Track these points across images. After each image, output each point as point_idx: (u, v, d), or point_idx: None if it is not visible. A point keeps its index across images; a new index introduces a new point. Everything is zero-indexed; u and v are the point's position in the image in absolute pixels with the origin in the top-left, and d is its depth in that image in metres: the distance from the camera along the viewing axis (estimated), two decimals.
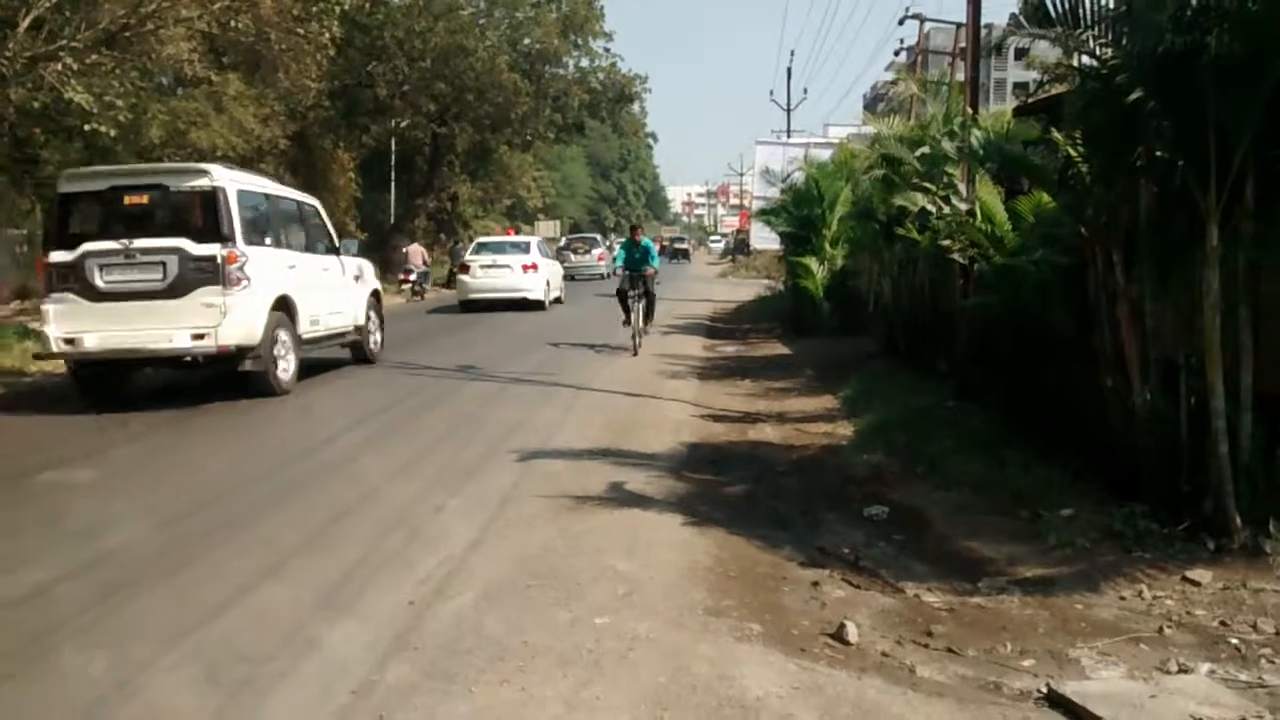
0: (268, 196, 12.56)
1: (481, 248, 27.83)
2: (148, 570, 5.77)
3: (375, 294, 15.64)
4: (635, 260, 18.03)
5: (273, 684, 4.30)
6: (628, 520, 6.89)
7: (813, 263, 19.83)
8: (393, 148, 35.16)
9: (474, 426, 10.19)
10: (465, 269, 26.88)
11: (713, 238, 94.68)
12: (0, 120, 17.10)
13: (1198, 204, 6.25)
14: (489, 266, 26.32)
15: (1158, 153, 6.62)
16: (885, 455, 8.86)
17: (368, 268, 15.80)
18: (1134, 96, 6.20)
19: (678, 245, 74.85)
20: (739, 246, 62.71)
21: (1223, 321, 6.25)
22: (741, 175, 76.95)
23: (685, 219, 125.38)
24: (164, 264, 10.92)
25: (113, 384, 11.72)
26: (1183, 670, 4.55)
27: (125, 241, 10.98)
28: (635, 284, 17.58)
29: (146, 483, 7.79)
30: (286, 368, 11.94)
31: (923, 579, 5.82)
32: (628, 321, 17.47)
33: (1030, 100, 13.11)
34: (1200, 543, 6.02)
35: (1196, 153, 6.17)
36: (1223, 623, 5.07)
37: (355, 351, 14.84)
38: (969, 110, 11.45)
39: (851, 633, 4.92)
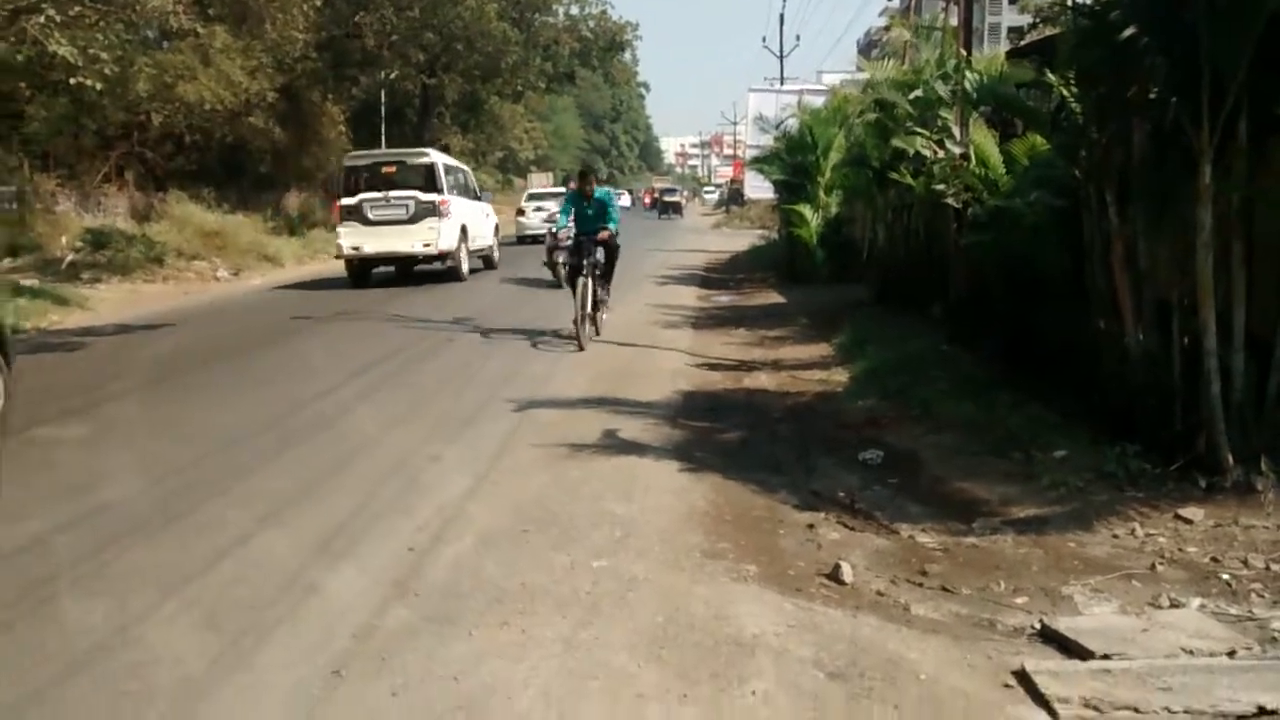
0: (453, 168, 21.23)
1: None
2: (146, 521, 5.79)
3: (496, 226, 24.01)
4: (588, 219, 13.03)
5: (273, 629, 4.34)
6: (624, 466, 6.92)
7: (807, 210, 19.76)
8: (382, 100, 34.83)
9: (467, 378, 10.21)
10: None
11: (707, 188, 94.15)
12: None
13: (1191, 142, 6.23)
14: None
15: (1151, 91, 6.57)
16: (879, 400, 8.88)
17: (493, 210, 24.03)
18: (1127, 33, 6.17)
19: (668, 198, 64.15)
20: (733, 197, 62.39)
21: (1216, 261, 6.25)
22: (735, 125, 74.43)
23: (679, 170, 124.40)
24: (406, 205, 19.14)
25: (368, 273, 19.87)
26: (1174, 605, 4.60)
27: (384, 193, 19.29)
28: (585, 253, 12.73)
29: (143, 436, 7.79)
30: (465, 265, 20.35)
31: (917, 520, 5.86)
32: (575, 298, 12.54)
33: (1024, 43, 13.02)
34: (1192, 481, 6.06)
35: (1189, 90, 6.13)
36: (1214, 559, 5.12)
37: (486, 263, 22.96)
38: (963, 52, 11.35)
39: (847, 573, 4.96)
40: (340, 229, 19.46)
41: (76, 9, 15.23)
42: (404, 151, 21.88)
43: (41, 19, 14.13)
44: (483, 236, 22.22)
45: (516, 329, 13.33)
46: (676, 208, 64.10)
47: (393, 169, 19.77)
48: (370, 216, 19.13)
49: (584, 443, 7.50)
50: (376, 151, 23.53)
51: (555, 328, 13.21)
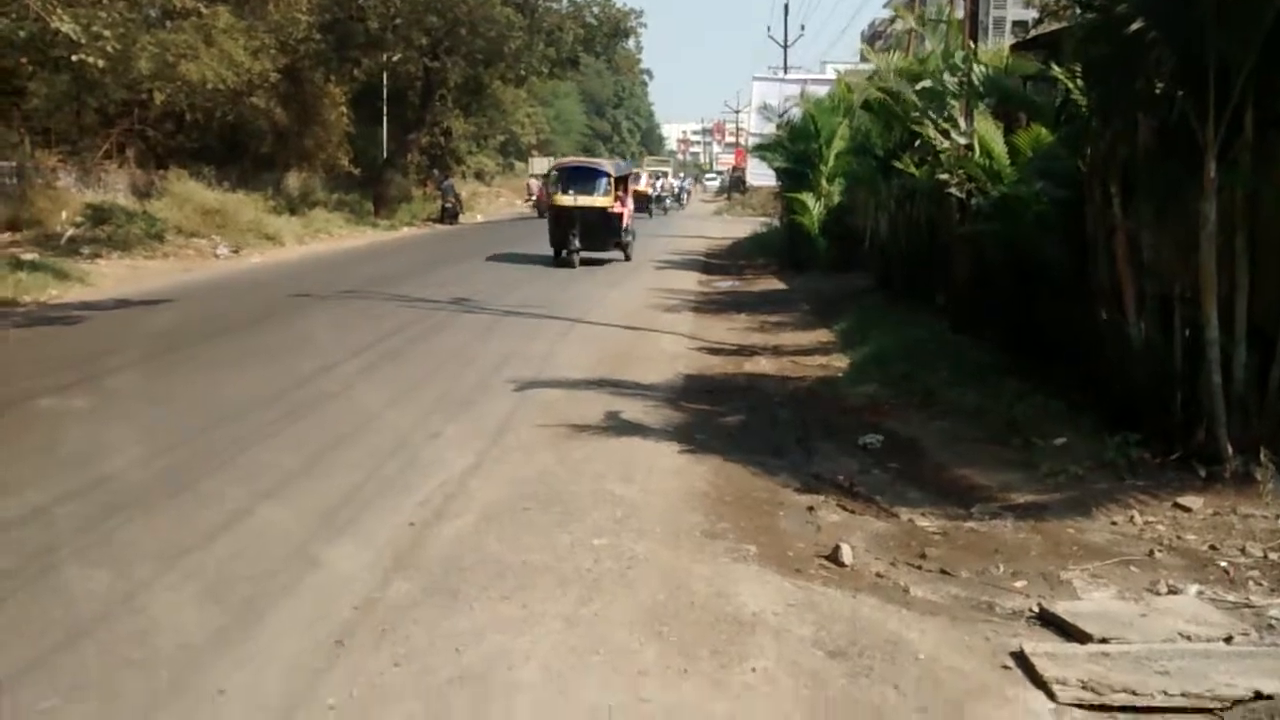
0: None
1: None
2: (147, 494, 5.79)
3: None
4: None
5: (275, 600, 4.35)
6: (625, 447, 6.94)
7: (809, 199, 19.73)
8: (384, 82, 34.66)
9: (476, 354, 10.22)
10: None
11: (708, 175, 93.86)
12: None
13: (1196, 136, 6.23)
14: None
15: (1157, 85, 6.58)
16: (880, 386, 8.91)
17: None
18: (1134, 27, 6.15)
19: (660, 187, 49.33)
20: (734, 184, 62.22)
21: (1219, 254, 6.26)
22: (737, 113, 73.72)
23: (681, 156, 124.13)
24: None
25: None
26: (1172, 591, 4.63)
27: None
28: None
29: (144, 408, 7.79)
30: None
31: (917, 504, 5.89)
32: None
33: (1029, 36, 13.00)
34: (1192, 471, 6.09)
35: (1196, 84, 6.14)
36: (1212, 547, 5.15)
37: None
38: (970, 44, 11.33)
39: (846, 554, 4.98)
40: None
41: None
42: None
43: None
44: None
45: (516, 309, 13.32)
46: (674, 198, 53.72)
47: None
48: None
49: (585, 423, 7.52)
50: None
51: (551, 309, 13.21)
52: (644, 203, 40.56)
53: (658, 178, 51.37)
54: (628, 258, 21.31)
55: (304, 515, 5.45)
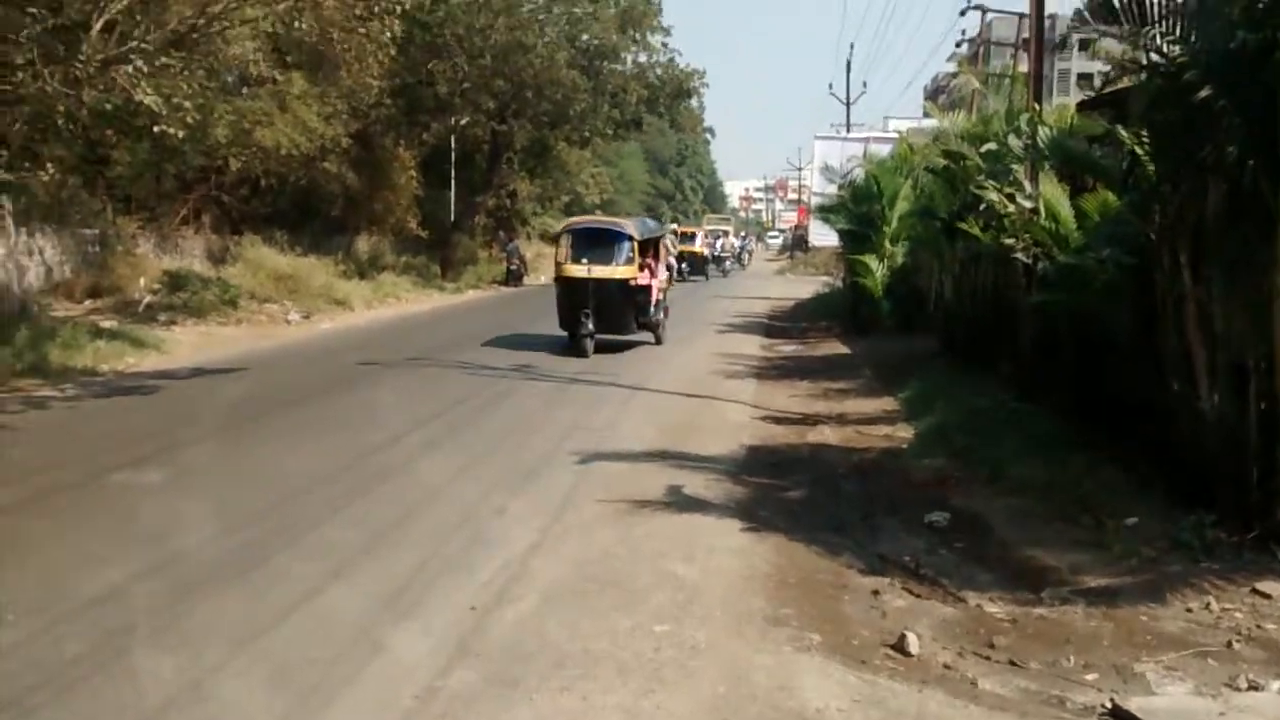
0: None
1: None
2: (219, 572, 5.88)
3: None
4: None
5: (338, 688, 4.39)
6: (687, 525, 6.92)
7: (872, 260, 19.69)
8: (452, 145, 35.32)
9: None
10: None
11: (770, 233, 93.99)
12: (74, 122, 17.47)
13: (1268, 204, 6.13)
14: None
15: (1227, 152, 6.48)
16: (946, 458, 8.80)
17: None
18: (1203, 94, 6.09)
19: (720, 247, 46.63)
20: (797, 243, 62.17)
21: None
22: (800, 170, 73.58)
23: (743, 214, 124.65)
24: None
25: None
26: (1253, 687, 4.48)
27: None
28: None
29: (216, 483, 7.94)
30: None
31: (985, 588, 5.78)
32: None
33: (1095, 95, 12.90)
34: (1270, 553, 5.92)
35: (1267, 152, 6.05)
36: None
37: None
38: (1034, 106, 11.28)
39: (913, 644, 4.90)
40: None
41: (162, 59, 15.70)
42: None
43: (130, 69, 14.59)
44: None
45: (578, 375, 13.40)
46: (735, 259, 50.24)
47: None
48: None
49: (647, 498, 7.51)
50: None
51: (613, 376, 13.29)
52: (700, 264, 39.43)
53: (717, 237, 49.16)
54: (658, 340, 17.54)
55: (369, 596, 5.50)
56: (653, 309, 17.02)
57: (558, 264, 16.73)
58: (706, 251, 41.79)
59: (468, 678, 4.49)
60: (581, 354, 15.40)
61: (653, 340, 17.36)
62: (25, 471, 7.97)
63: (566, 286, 16.12)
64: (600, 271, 15.81)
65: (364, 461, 8.63)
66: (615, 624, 5.12)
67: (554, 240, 17.27)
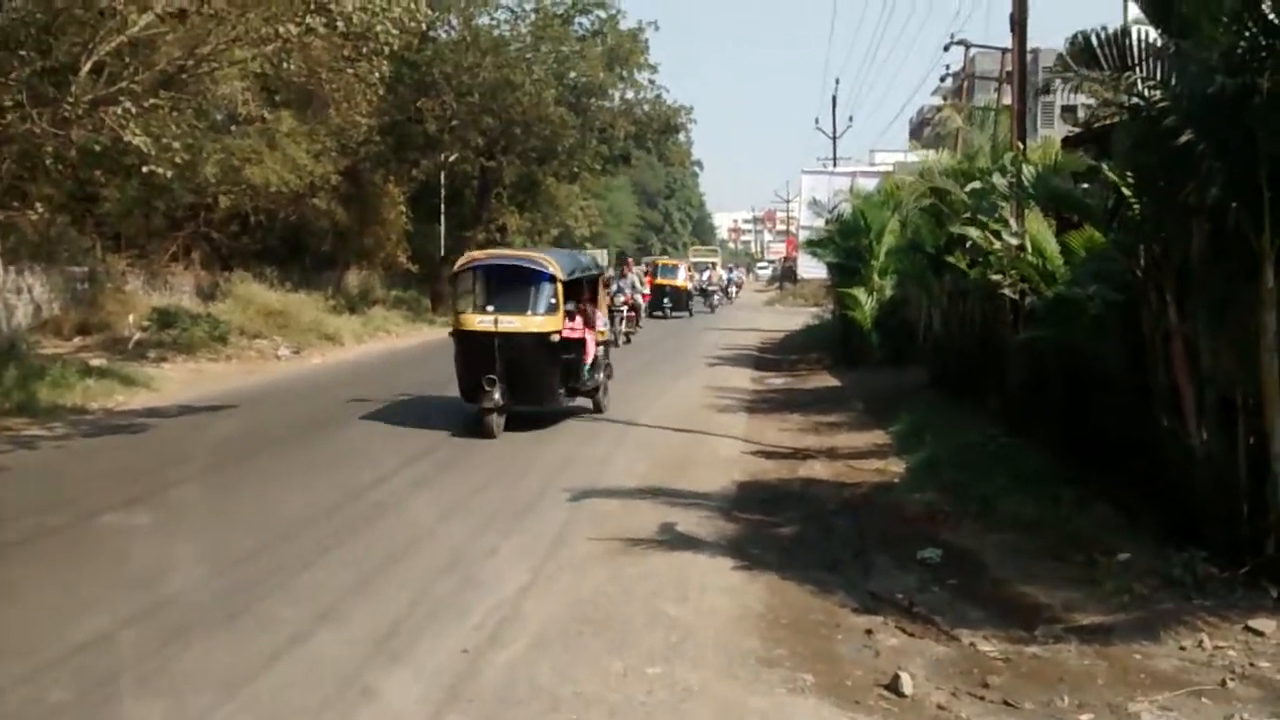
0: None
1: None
2: (207, 616, 5.84)
3: None
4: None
5: None
6: (679, 563, 6.91)
7: (861, 293, 19.77)
8: (441, 181, 35.48)
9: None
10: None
11: (760, 264, 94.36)
12: (63, 162, 17.49)
13: (1251, 244, 6.19)
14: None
15: (1209, 193, 6.55)
16: (937, 494, 8.80)
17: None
18: (1184, 138, 6.15)
19: (707, 280, 44.06)
20: (786, 274, 62.41)
21: None
22: (788, 202, 74.23)
23: (732, 245, 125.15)
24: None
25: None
26: None
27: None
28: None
29: (205, 524, 7.90)
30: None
31: (978, 626, 5.77)
32: None
33: (1080, 130, 13.02)
34: (1262, 590, 5.93)
35: (1249, 194, 6.12)
36: None
37: None
38: (1018, 144, 11.39)
39: (906, 684, 4.89)
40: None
41: (151, 100, 15.75)
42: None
43: (118, 109, 14.63)
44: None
45: (573, 410, 13.38)
46: (723, 292, 46.51)
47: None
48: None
49: (639, 536, 7.49)
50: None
51: (609, 411, 13.28)
52: (683, 300, 36.51)
53: (703, 269, 46.98)
54: (598, 407, 13.52)
55: (359, 640, 5.46)
56: (588, 369, 13.09)
57: (456, 313, 12.84)
58: (690, 285, 38.91)
59: None
60: (486, 434, 11.40)
61: (591, 408, 13.55)
62: (13, 513, 7.91)
63: (467, 344, 11.93)
64: (512, 323, 11.71)
65: (354, 501, 8.59)
66: (608, 666, 5.10)
67: (451, 281, 12.85)
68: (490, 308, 11.94)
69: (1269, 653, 5.24)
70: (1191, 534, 6.58)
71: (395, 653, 5.28)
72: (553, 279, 12.02)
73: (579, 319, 12.88)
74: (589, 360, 13.08)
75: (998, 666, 5.22)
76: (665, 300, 34.96)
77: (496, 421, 11.52)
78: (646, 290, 31.85)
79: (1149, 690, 4.86)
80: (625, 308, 23.03)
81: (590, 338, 13.10)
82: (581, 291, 13.22)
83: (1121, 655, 5.30)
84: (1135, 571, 6.35)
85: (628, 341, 22.34)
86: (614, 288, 21.92)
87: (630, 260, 27.84)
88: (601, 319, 13.89)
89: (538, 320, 11.86)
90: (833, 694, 4.84)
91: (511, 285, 12.28)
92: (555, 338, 11.87)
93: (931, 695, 4.86)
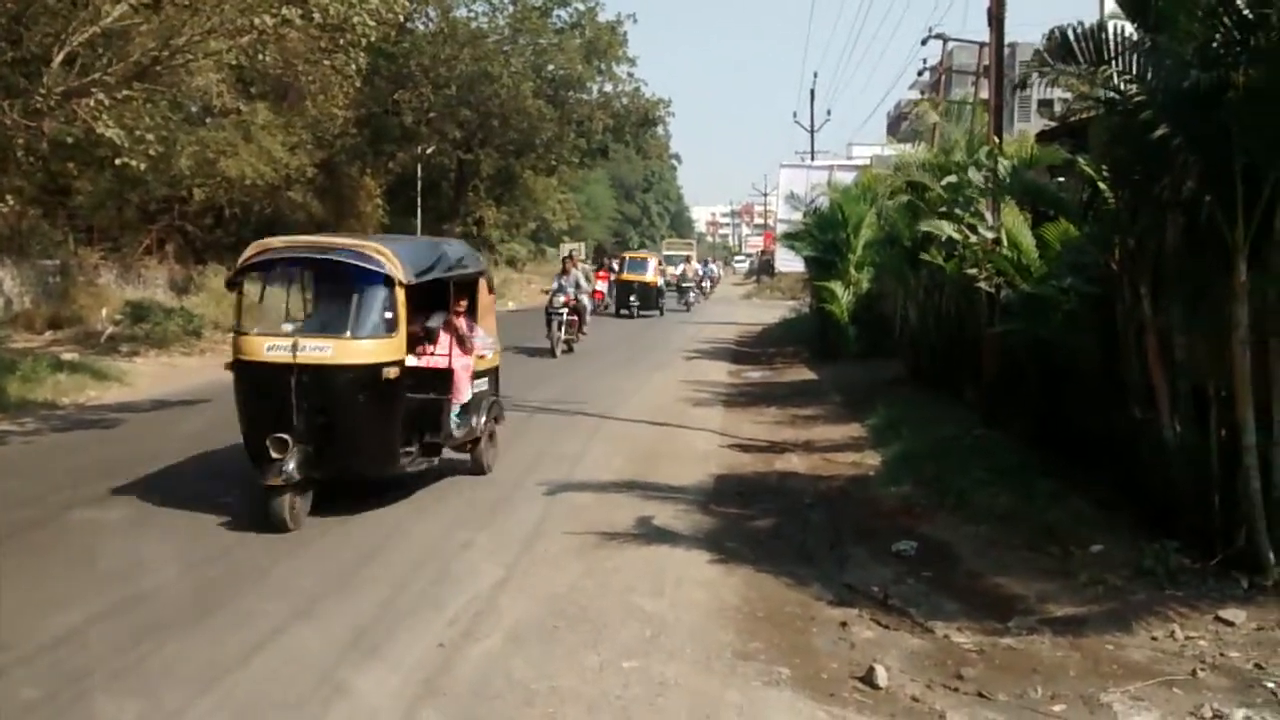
0: None
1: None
2: (182, 613, 5.79)
3: None
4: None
5: None
6: (655, 557, 6.90)
7: (838, 287, 19.80)
8: (419, 174, 35.41)
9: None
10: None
11: (737, 258, 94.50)
12: (34, 154, 17.30)
13: (1225, 238, 6.23)
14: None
15: (1184, 187, 6.59)
16: (913, 487, 8.83)
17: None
18: (1159, 132, 6.18)
19: (681, 274, 41.41)
20: (763, 267, 62.44)
21: (1253, 354, 6.21)
22: (765, 195, 74.20)
23: (710, 238, 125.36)
24: None
25: None
26: (1217, 716, 4.52)
27: None
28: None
29: (179, 520, 7.82)
30: None
31: (952, 618, 5.80)
32: None
33: (1056, 124, 13.10)
34: (1233, 580, 5.99)
35: (1223, 187, 6.16)
36: (1258, 665, 5.02)
37: None
38: (994, 139, 11.43)
39: (881, 676, 4.90)
40: None
41: (125, 91, 15.60)
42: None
43: (92, 101, 14.49)
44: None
45: (546, 405, 13.36)
46: (698, 288, 42.60)
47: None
48: None
49: (615, 530, 7.48)
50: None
51: (581, 404, 13.27)
52: (652, 298, 32.76)
53: (677, 263, 44.42)
54: (479, 467, 9.38)
55: (334, 635, 5.43)
56: (457, 415, 9.00)
57: (236, 334, 8.40)
58: (661, 281, 34.47)
59: (434, 719, 4.44)
60: (277, 524, 7.33)
61: (469, 465, 9.46)
62: None
63: (251, 382, 7.98)
64: (322, 350, 7.71)
65: (328, 493, 8.51)
66: (583, 660, 5.09)
67: (231, 285, 9.00)
68: (289, 326, 8.25)
69: (1239, 643, 5.28)
70: (1164, 525, 6.63)
71: (371, 647, 5.25)
72: (389, 282, 7.93)
73: (446, 340, 8.98)
74: (459, 401, 9.01)
75: (972, 658, 5.24)
76: (632, 298, 31.74)
77: (290, 504, 7.38)
78: (599, 288, 30.61)
79: (1121, 680, 4.89)
80: (565, 310, 20.13)
81: (462, 367, 9.08)
82: (448, 300, 8.96)
83: (1094, 646, 5.33)
84: (1108, 563, 6.39)
85: (568, 350, 20.08)
86: (554, 286, 20.79)
87: (573, 255, 24.30)
88: (484, 339, 9.57)
89: (362, 346, 7.85)
90: (808, 686, 4.85)
91: (326, 291, 8.69)
92: (391, 372, 7.80)
93: (906, 687, 4.87)
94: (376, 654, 5.16)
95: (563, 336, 19.97)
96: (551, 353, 19.40)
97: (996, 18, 12.34)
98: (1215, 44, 6.08)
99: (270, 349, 7.72)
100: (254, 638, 5.34)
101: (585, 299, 21.72)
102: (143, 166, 16.56)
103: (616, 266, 34.88)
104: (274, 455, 7.36)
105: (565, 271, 21.42)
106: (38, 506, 7.92)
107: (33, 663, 4.99)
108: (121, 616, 5.67)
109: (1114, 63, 6.64)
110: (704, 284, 46.33)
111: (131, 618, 5.65)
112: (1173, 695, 4.73)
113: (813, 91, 72.81)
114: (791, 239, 23.21)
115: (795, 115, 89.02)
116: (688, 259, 46.72)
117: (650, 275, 33.06)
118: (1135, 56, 6.59)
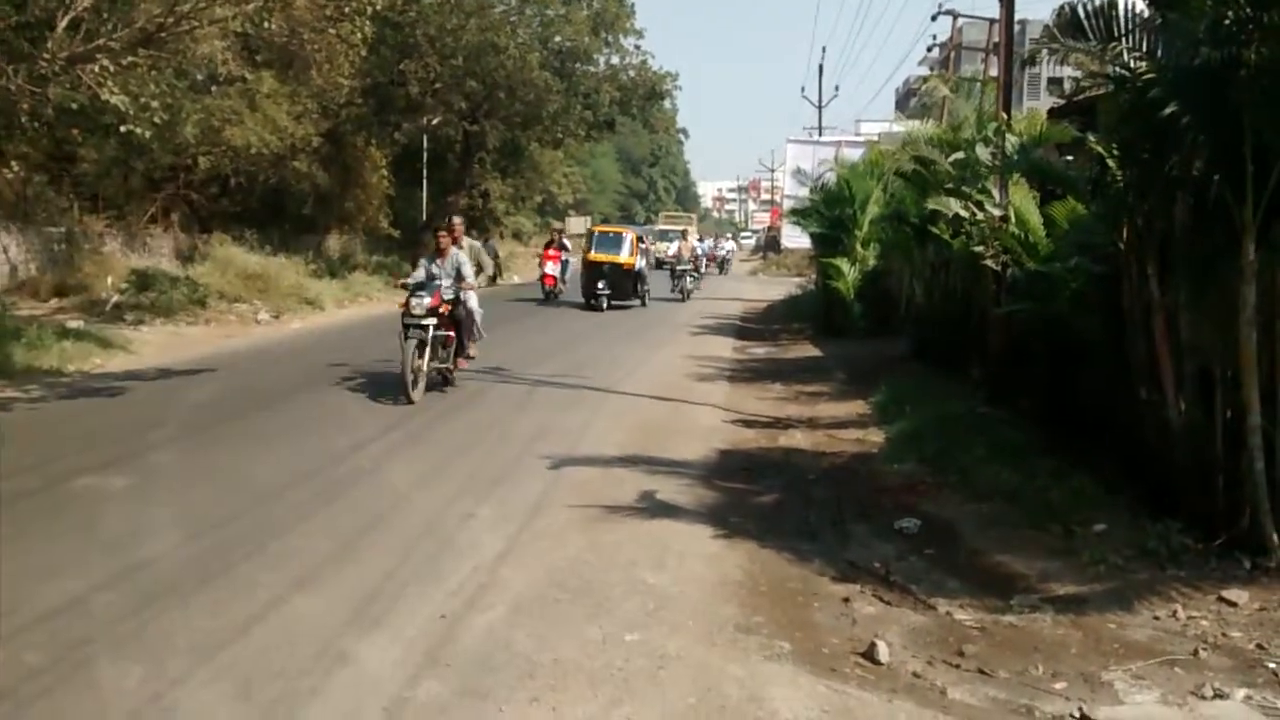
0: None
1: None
2: (183, 581, 5.81)
3: None
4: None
5: (304, 700, 4.35)
6: (659, 531, 6.91)
7: (844, 263, 19.77)
8: (424, 145, 35.23)
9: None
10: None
11: (744, 234, 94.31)
12: (39, 120, 17.26)
13: (1234, 217, 6.19)
14: None
15: (1193, 166, 6.54)
16: (917, 464, 8.83)
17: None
18: (1169, 110, 6.14)
19: (673, 253, 32.32)
20: (770, 244, 62.27)
21: (1260, 336, 6.19)
22: (772, 171, 73.89)
23: (716, 214, 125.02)
24: None
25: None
26: (1218, 695, 4.51)
27: None
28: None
29: (182, 488, 7.84)
30: None
31: (954, 595, 5.80)
32: None
33: (1065, 102, 13.01)
34: (1236, 560, 5.98)
35: (1232, 166, 6.11)
36: (1259, 645, 5.02)
37: None
38: (1003, 115, 11.36)
39: (882, 652, 4.91)
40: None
41: (130, 57, 15.54)
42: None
43: (96, 67, 14.44)
44: None
45: (549, 379, 13.36)
46: (695, 272, 32.21)
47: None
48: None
49: (618, 504, 7.49)
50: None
51: (585, 378, 13.25)
52: (629, 285, 25.61)
53: (672, 239, 37.42)
54: None
55: (336, 605, 5.44)
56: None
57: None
58: (642, 263, 26.75)
59: (436, 689, 4.45)
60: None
61: None
62: None
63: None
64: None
65: (332, 466, 8.55)
66: (585, 633, 5.10)
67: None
68: None
69: (1241, 623, 5.28)
70: (1168, 505, 6.63)
71: (373, 618, 5.26)
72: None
73: None
74: None
75: (973, 635, 5.25)
76: (600, 284, 24.61)
77: None
78: (548, 270, 26.52)
79: (1122, 659, 4.90)
80: (430, 322, 11.59)
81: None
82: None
83: (1096, 624, 5.34)
84: (1111, 542, 6.39)
85: (442, 385, 12.36)
86: (414, 275, 12.44)
87: (457, 222, 13.37)
88: None
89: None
90: (809, 661, 4.86)
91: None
92: None
93: (907, 663, 4.88)
94: (379, 625, 5.18)
95: (425, 366, 11.68)
96: (404, 393, 11.28)
97: None
98: (1226, 21, 6.02)
99: None
100: (254, 608, 5.35)
101: (472, 299, 12.53)
102: (148, 134, 16.51)
103: (584, 245, 28.47)
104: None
105: (439, 250, 12.34)
106: (43, 474, 7.93)
107: (37, 629, 5.01)
108: (124, 583, 5.68)
109: (1124, 40, 6.59)
110: (705, 265, 40.16)
111: (134, 584, 5.66)
112: (1174, 674, 4.73)
113: (821, 67, 72.29)
114: (798, 215, 23.14)
115: (803, 90, 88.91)
116: (684, 234, 35.96)
117: (625, 255, 25.35)
118: (1145, 34, 6.55)
